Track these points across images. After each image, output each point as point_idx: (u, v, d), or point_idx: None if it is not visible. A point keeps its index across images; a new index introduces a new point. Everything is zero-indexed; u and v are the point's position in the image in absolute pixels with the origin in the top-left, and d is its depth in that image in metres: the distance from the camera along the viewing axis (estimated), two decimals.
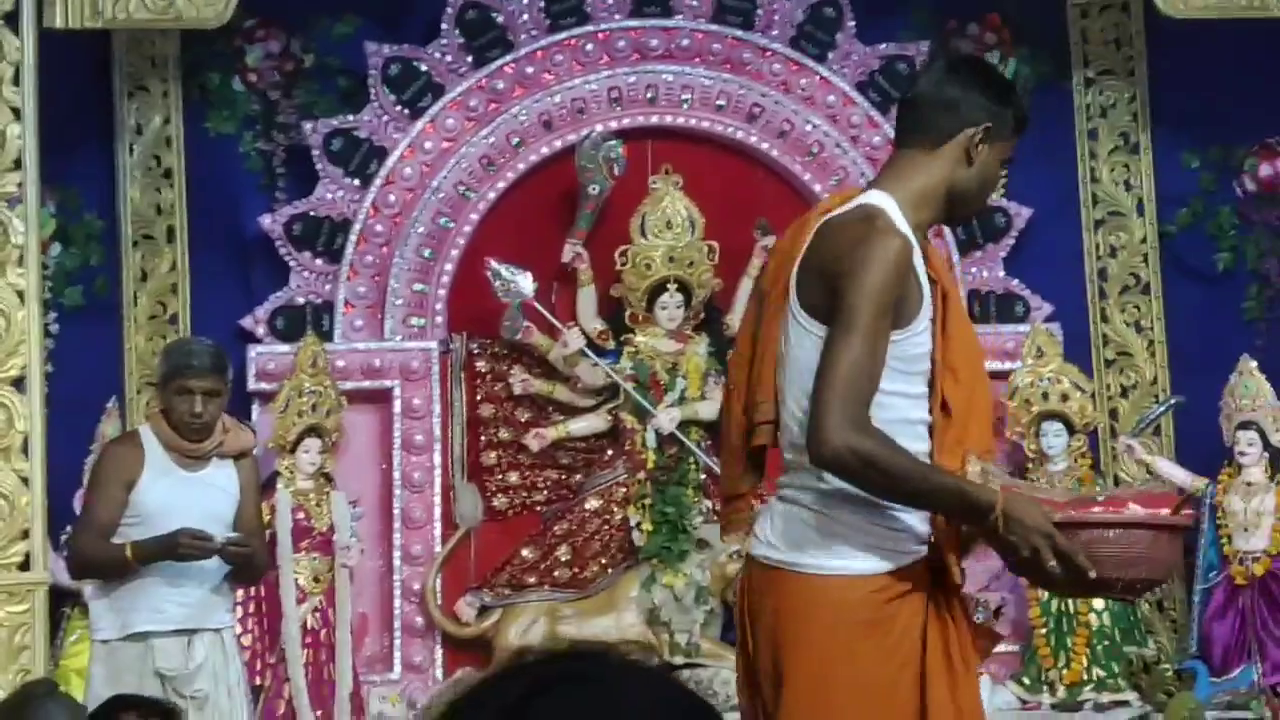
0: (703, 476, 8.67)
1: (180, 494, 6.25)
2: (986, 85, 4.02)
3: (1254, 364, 8.60)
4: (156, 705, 4.76)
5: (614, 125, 8.92)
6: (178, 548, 6.10)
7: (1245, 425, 8.53)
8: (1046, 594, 8.61)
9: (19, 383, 6.88)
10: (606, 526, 8.62)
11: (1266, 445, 8.52)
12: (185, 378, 6.13)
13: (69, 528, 6.33)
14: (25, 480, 6.77)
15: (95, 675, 6.01)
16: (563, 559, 8.56)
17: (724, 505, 4.15)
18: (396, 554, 8.58)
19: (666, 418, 8.58)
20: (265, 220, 8.80)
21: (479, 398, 8.79)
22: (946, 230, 9.05)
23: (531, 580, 8.52)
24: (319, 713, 7.92)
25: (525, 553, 8.58)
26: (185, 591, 6.29)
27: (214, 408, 6.08)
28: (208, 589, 6.24)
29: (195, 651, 6.25)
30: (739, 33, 9.07)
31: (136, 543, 6.10)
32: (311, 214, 8.82)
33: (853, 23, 9.21)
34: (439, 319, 8.82)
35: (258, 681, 7.97)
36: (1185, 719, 8.07)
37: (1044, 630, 8.60)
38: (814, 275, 3.77)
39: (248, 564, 6.28)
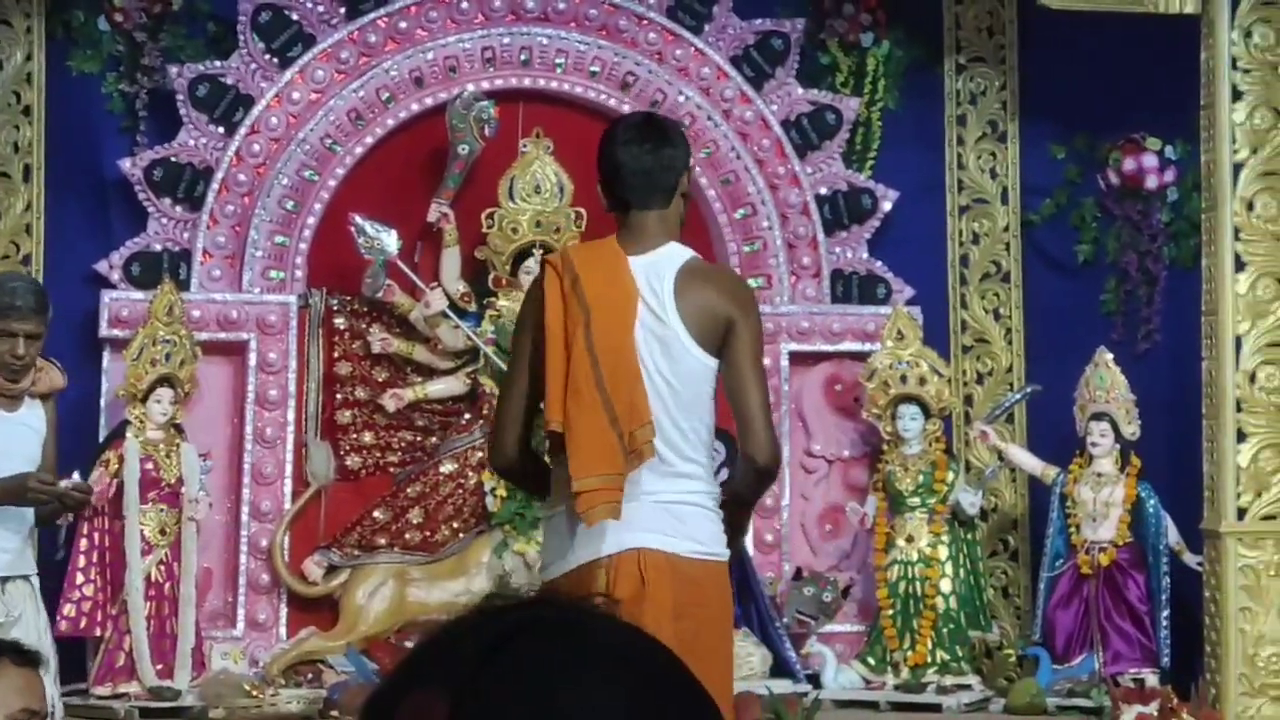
0: None
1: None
2: (679, 135, 5.00)
3: (1109, 356, 8.69)
4: (28, 655, 4.63)
5: (486, 85, 8.84)
6: (26, 492, 6.01)
7: (1098, 416, 8.63)
8: (894, 575, 8.67)
9: None
10: (460, 490, 8.55)
11: (1118, 437, 8.62)
12: (8, 320, 6.04)
13: None
14: None
15: None
16: (414, 521, 8.48)
17: (606, 490, 4.59)
18: (245, 509, 8.46)
19: None
20: (125, 164, 8.63)
21: (336, 355, 8.69)
22: (813, 208, 9.08)
23: (382, 541, 8.43)
24: (159, 666, 7.80)
25: (376, 514, 8.49)
26: (4, 537, 6.20)
27: (35, 349, 6.05)
28: (23, 535, 6.19)
29: (12, 599, 6.17)
30: None
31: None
32: (173, 160, 8.66)
33: None
34: (299, 273, 8.70)
35: (98, 633, 7.84)
36: (1026, 704, 8.17)
37: (890, 611, 8.65)
38: (703, 315, 4.65)
39: (73, 509, 6.30)
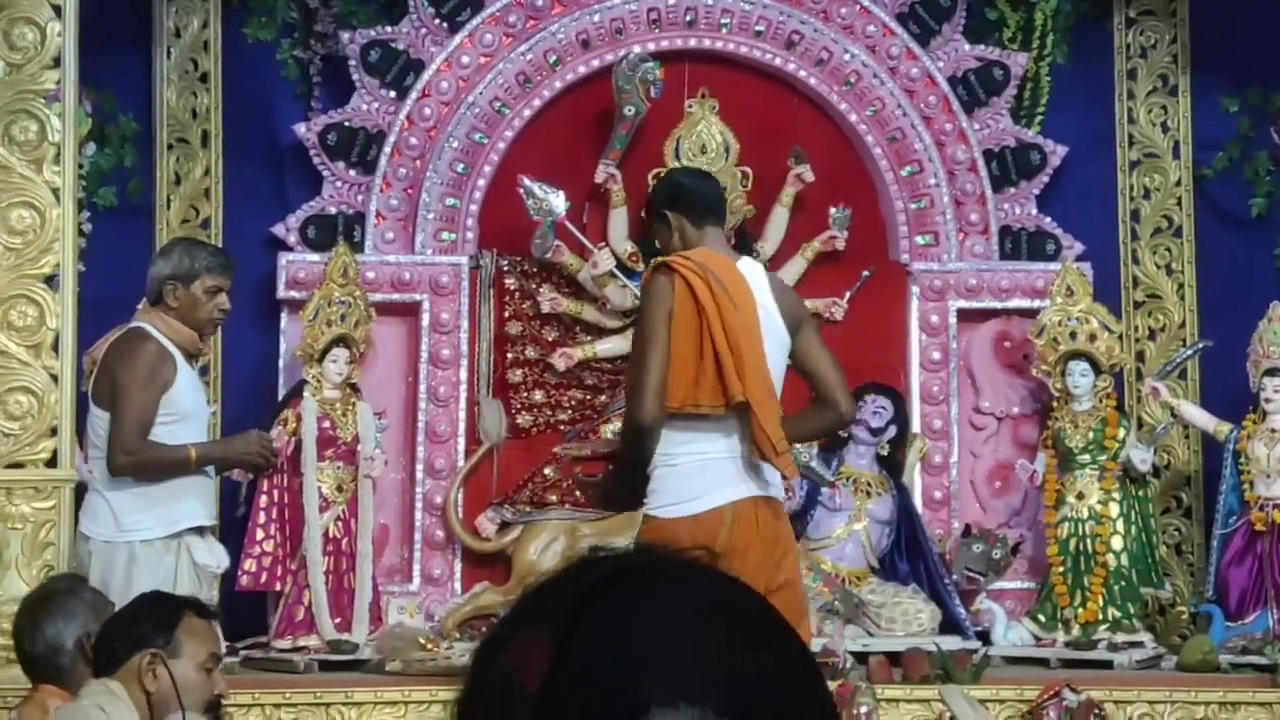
0: None
1: (200, 392, 6.49)
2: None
3: None
4: (205, 607, 4.84)
5: (651, 47, 8.89)
6: (256, 455, 6.36)
7: (1272, 372, 8.52)
8: (1065, 533, 8.64)
9: (51, 280, 6.89)
10: None
11: None
12: (222, 276, 6.32)
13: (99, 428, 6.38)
14: (55, 378, 6.79)
15: (139, 576, 6.09)
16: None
17: (784, 452, 5.61)
18: (419, 467, 8.61)
19: None
20: (300, 129, 8.79)
21: (507, 315, 8.80)
22: (980, 164, 9.04)
23: (553, 498, 8.54)
24: (337, 620, 7.96)
25: (547, 471, 8.60)
26: (211, 489, 6.47)
27: None
28: (213, 485, 6.52)
29: (214, 546, 6.41)
30: None
31: (199, 446, 6.29)
32: (346, 124, 8.80)
33: None
34: (470, 235, 8.82)
35: (278, 587, 8.02)
36: (1199, 661, 8.10)
37: (1061, 569, 8.62)
38: (790, 309, 5.78)
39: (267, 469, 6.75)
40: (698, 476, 5.55)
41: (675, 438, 5.56)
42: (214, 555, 6.43)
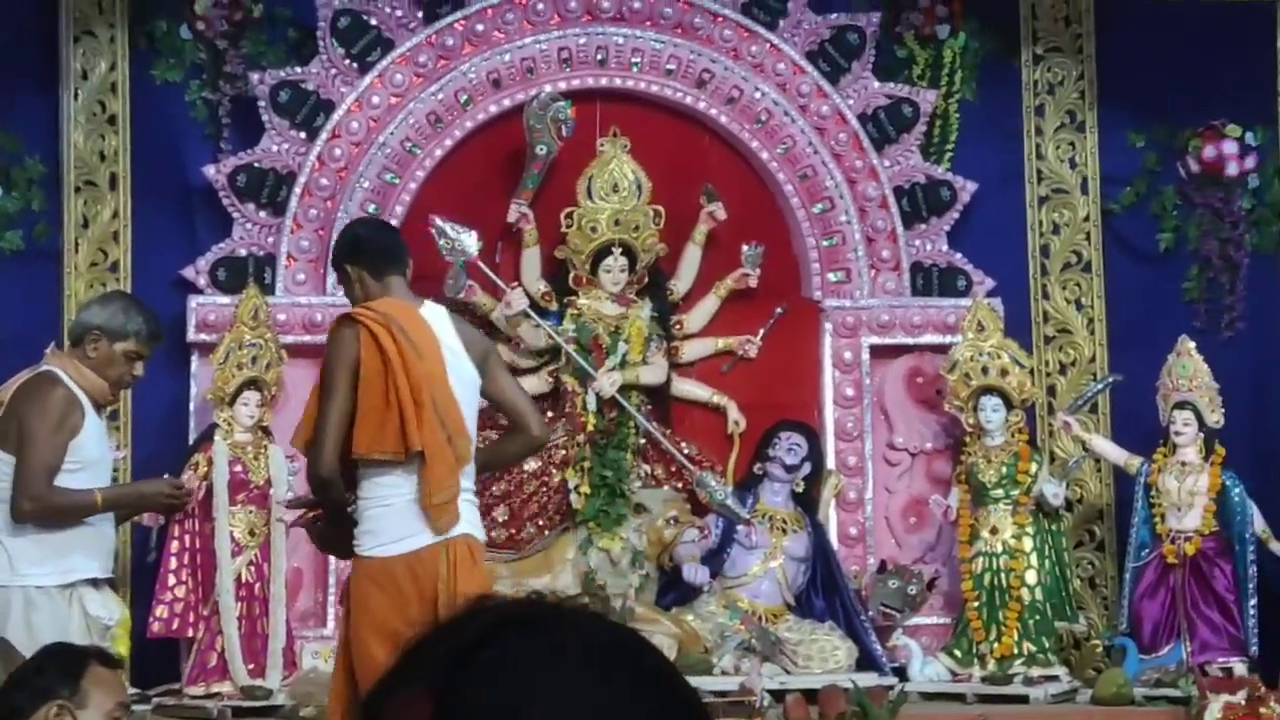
0: (642, 441, 8.68)
1: (105, 440, 6.42)
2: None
3: (1192, 344, 8.66)
4: (110, 657, 4.77)
5: (563, 86, 8.89)
6: (165, 499, 6.30)
7: (1181, 405, 8.59)
8: (979, 567, 8.67)
9: None
10: (544, 488, 8.61)
11: (1202, 426, 8.58)
12: (147, 346, 6.32)
13: None
14: None
15: (37, 623, 6.01)
16: (499, 520, 8.54)
17: (452, 500, 5.80)
18: None
19: (608, 381, 8.58)
20: (209, 170, 8.74)
21: None
22: (891, 201, 9.09)
23: None
24: (251, 666, 7.89)
25: None
26: (109, 542, 6.39)
27: None
28: (115, 537, 6.44)
29: (110, 600, 6.34)
30: None
31: (105, 491, 6.21)
32: (256, 165, 8.76)
33: None
34: None
35: (190, 633, 7.95)
36: (1114, 694, 8.14)
37: (976, 603, 8.65)
38: (475, 348, 6.01)
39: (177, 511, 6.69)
40: (406, 514, 5.75)
41: (380, 480, 5.79)
42: (106, 608, 6.37)
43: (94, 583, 6.36)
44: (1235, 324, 9.04)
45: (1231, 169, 9.10)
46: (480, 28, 8.88)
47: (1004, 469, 8.70)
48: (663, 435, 8.69)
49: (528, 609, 1.67)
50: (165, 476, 6.78)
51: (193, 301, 8.54)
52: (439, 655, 1.63)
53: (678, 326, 8.97)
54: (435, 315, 5.98)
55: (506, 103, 8.88)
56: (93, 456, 6.29)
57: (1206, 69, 9.09)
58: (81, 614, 6.23)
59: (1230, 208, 9.14)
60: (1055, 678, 8.47)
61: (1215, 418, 8.59)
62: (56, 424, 6.21)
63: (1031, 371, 8.99)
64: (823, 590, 8.72)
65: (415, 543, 5.73)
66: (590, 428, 8.59)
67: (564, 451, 8.61)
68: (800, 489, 8.78)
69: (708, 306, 9.00)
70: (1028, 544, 8.67)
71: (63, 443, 6.22)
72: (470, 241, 8.48)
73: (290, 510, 7.95)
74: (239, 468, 8.01)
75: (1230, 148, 9.10)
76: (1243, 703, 7.74)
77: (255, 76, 8.76)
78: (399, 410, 5.69)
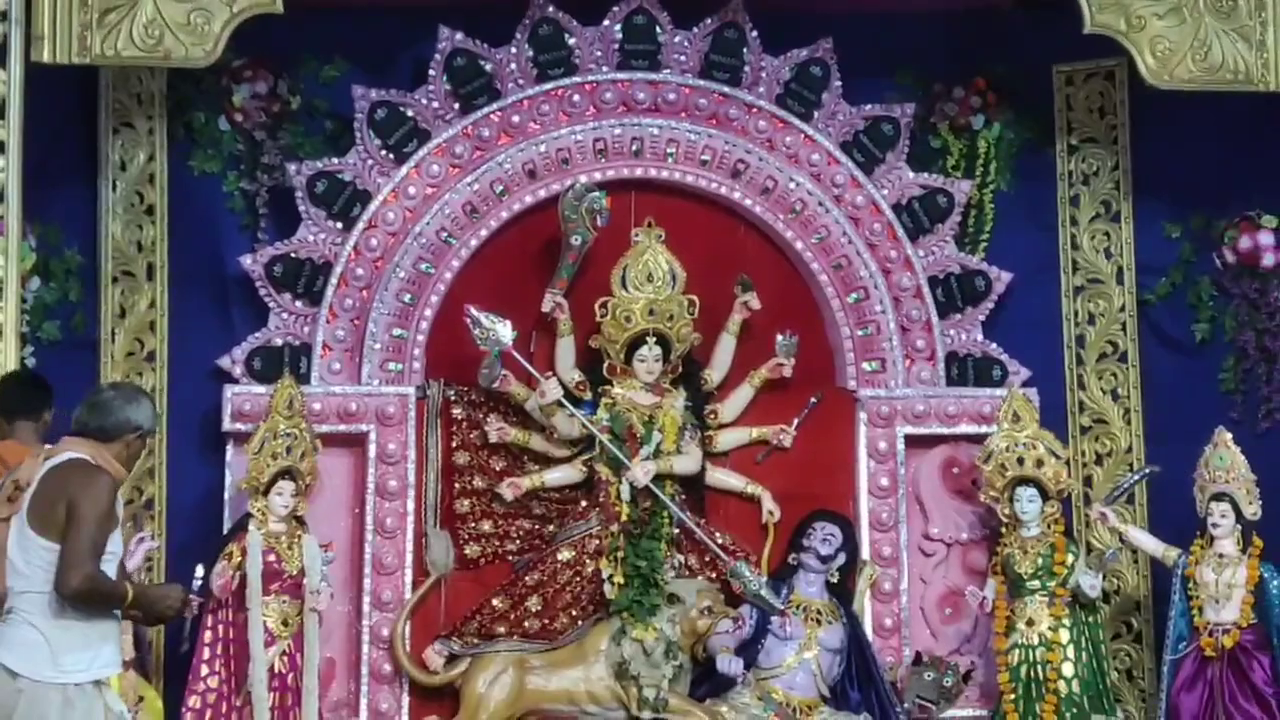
0: (676, 531, 8.65)
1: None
2: None
3: (1229, 436, 8.61)
4: None
5: (598, 176, 8.93)
6: (175, 612, 6.34)
7: (1219, 497, 8.54)
8: (1015, 659, 8.61)
9: None
10: (578, 578, 8.59)
11: (1239, 518, 8.53)
12: (153, 435, 6.33)
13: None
14: None
15: (71, 718, 6.01)
16: (533, 609, 8.52)
17: None
18: (366, 599, 8.54)
19: (641, 470, 8.57)
20: (246, 260, 8.79)
21: (454, 445, 8.77)
22: (926, 291, 9.09)
23: (501, 630, 8.47)
24: None
25: (495, 602, 8.54)
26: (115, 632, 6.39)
27: None
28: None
29: (111, 697, 6.33)
30: (725, 89, 9.10)
31: (135, 587, 6.22)
32: (293, 255, 8.81)
33: (839, 83, 9.25)
34: (416, 364, 8.81)
35: None
36: None
37: (1013, 696, 8.59)
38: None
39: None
40: None
41: None
42: (119, 701, 6.38)
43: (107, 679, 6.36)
44: (1272, 415, 9.01)
45: (1268, 260, 9.09)
46: (516, 119, 8.93)
47: (1040, 560, 8.65)
48: (697, 525, 8.67)
49: None
50: (180, 588, 6.73)
51: (228, 391, 8.57)
52: None
53: (712, 416, 8.96)
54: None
55: (542, 193, 8.93)
56: (117, 550, 6.31)
57: (1242, 160, 9.10)
58: (105, 709, 6.22)
59: (1266, 298, 9.11)
60: None
61: (1253, 509, 8.53)
62: (106, 512, 6.22)
63: (1067, 462, 8.95)
64: (858, 681, 8.66)
65: None
66: (624, 517, 8.58)
67: (598, 541, 8.59)
68: (835, 579, 8.74)
69: (742, 396, 8.99)
70: (1064, 636, 8.61)
71: (108, 531, 6.24)
72: (505, 331, 8.51)
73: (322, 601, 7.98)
74: (272, 558, 8.02)
75: (1266, 239, 9.09)
76: None
77: (292, 167, 8.83)
78: None
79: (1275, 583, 8.43)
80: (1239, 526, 8.54)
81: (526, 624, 8.50)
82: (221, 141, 8.99)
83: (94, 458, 6.30)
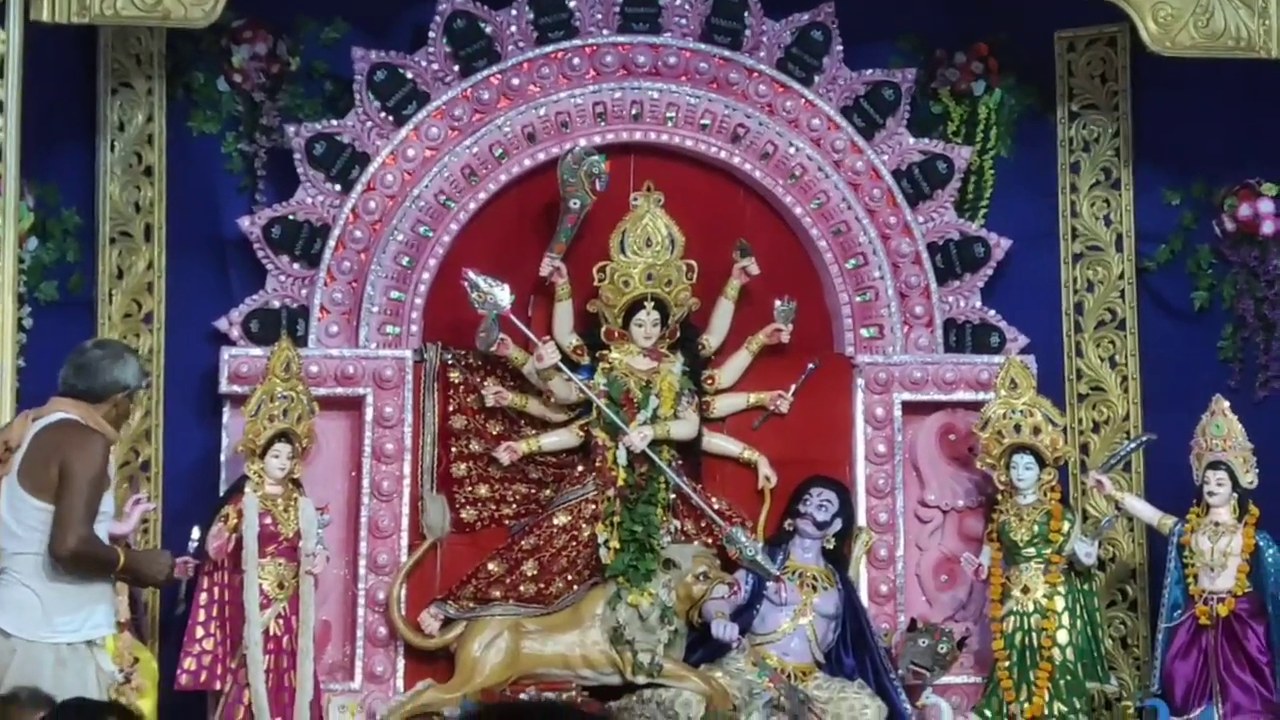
0: (672, 496, 8.66)
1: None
2: None
3: (1226, 404, 8.61)
4: (129, 712, 4.79)
5: (598, 140, 8.91)
6: (172, 573, 6.34)
7: (1215, 465, 8.54)
8: (1010, 626, 8.62)
9: None
10: (574, 543, 8.60)
11: (1236, 486, 8.53)
12: (143, 390, 6.34)
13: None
14: None
15: (66, 681, 6.04)
16: (529, 574, 8.53)
17: None
18: (362, 562, 8.56)
19: (638, 435, 8.57)
20: (244, 222, 8.78)
21: (451, 409, 8.77)
22: (925, 257, 9.08)
23: (497, 594, 8.49)
24: (278, 719, 7.88)
25: (491, 566, 8.55)
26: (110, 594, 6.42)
27: None
28: None
29: (104, 658, 6.35)
30: (726, 53, 9.07)
31: (130, 554, 6.24)
32: (291, 217, 8.80)
33: (840, 47, 9.22)
34: (414, 328, 8.80)
35: (218, 686, 7.94)
36: None
37: (1007, 663, 8.61)
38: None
39: None
40: None
41: None
42: (111, 664, 6.41)
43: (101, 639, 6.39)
44: (1270, 384, 9.01)
45: (1267, 228, 9.07)
46: (516, 82, 8.91)
47: (1036, 527, 8.66)
48: (693, 490, 8.67)
49: (532, 706, 1.84)
50: (169, 555, 6.78)
51: (225, 353, 8.57)
52: None
53: (709, 381, 8.96)
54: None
55: (541, 156, 8.91)
56: (109, 510, 6.34)
57: (1242, 127, 9.07)
58: (96, 669, 6.25)
59: (1266, 266, 9.10)
60: None
61: (1249, 478, 8.54)
62: (100, 474, 6.25)
63: (1064, 430, 8.95)
64: (852, 648, 8.68)
65: None
66: (621, 482, 8.58)
67: (594, 506, 8.60)
68: (831, 545, 8.75)
69: (740, 361, 8.99)
70: (1059, 603, 8.62)
71: (101, 492, 6.27)
72: (503, 295, 8.50)
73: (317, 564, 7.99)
74: (269, 520, 8.02)
75: (1266, 206, 9.07)
76: None
77: (291, 129, 8.81)
78: None
79: (1271, 551, 8.44)
80: (1235, 495, 8.54)
81: (522, 588, 8.51)
82: (220, 102, 8.97)
83: (85, 418, 6.32)
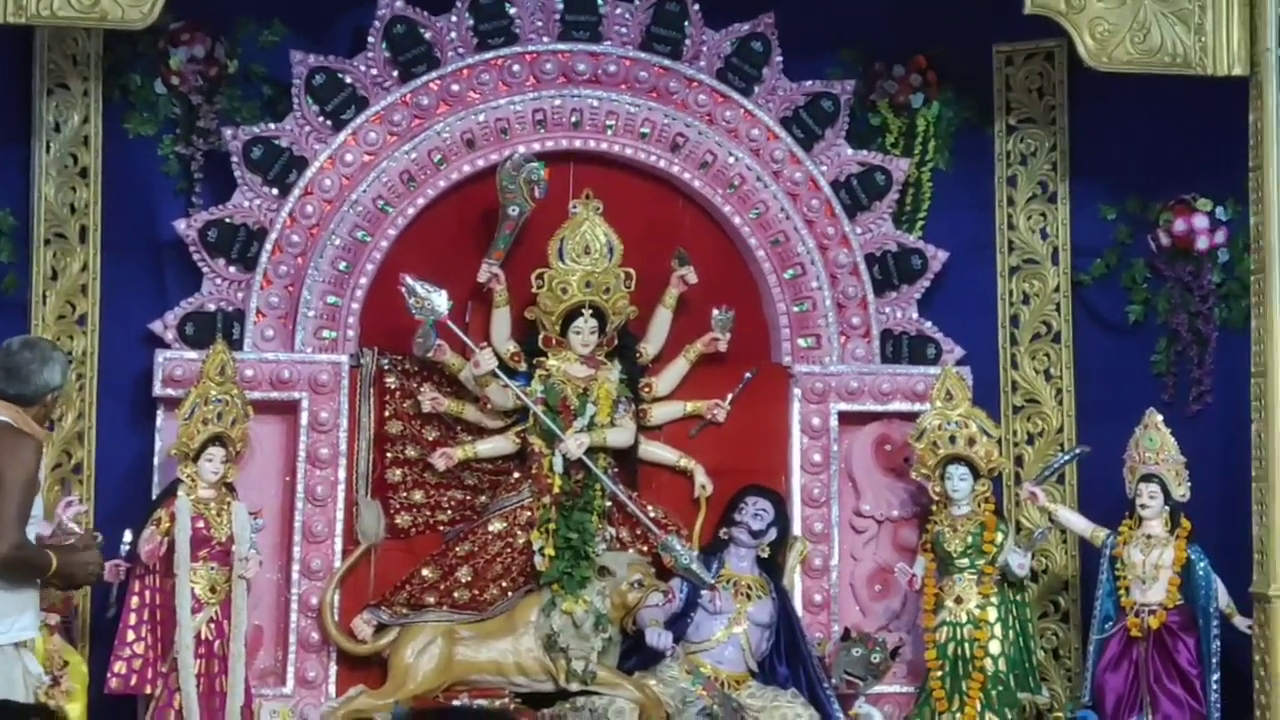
0: (608, 504, 8.66)
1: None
2: None
3: (1159, 417, 8.65)
4: (53, 714, 4.76)
5: (537, 147, 8.91)
6: (102, 571, 6.31)
7: (1148, 478, 8.59)
8: (943, 637, 8.65)
9: None
10: (509, 550, 8.59)
11: (1168, 499, 8.58)
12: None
13: None
14: None
15: None
16: (463, 580, 8.51)
17: None
18: (295, 567, 8.52)
19: (574, 443, 8.57)
20: (180, 224, 8.73)
21: (387, 414, 8.74)
22: (863, 268, 9.11)
23: (430, 600, 8.46)
24: None
25: (425, 572, 8.53)
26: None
27: None
28: None
29: (30, 660, 6.31)
30: (666, 62, 9.08)
31: (61, 557, 6.20)
32: (227, 220, 8.75)
33: (779, 58, 9.24)
34: (350, 333, 8.78)
35: (148, 690, 7.89)
36: None
37: (940, 673, 8.63)
38: None
39: None
40: None
41: None
42: (38, 666, 6.37)
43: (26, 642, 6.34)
44: (1203, 398, 9.05)
45: (1202, 243, 9.12)
46: (455, 88, 8.89)
47: (970, 538, 8.69)
48: (629, 498, 8.67)
49: (458, 711, 1.89)
50: (94, 552, 6.70)
51: (160, 356, 8.52)
52: None
53: (646, 389, 8.96)
54: None
55: (480, 163, 8.90)
56: (39, 513, 6.30)
57: (1179, 143, 9.13)
58: (24, 671, 6.20)
59: (1200, 281, 9.15)
60: None
61: (1181, 491, 8.58)
62: (32, 478, 6.20)
63: (999, 441, 8.99)
64: (786, 657, 8.69)
65: None
66: (556, 489, 8.58)
67: (529, 513, 8.59)
68: (766, 555, 8.76)
69: (677, 370, 8.99)
70: (992, 614, 8.65)
71: (33, 496, 6.21)
72: (440, 300, 8.48)
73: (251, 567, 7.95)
74: (201, 524, 7.98)
75: (1201, 222, 9.12)
76: None
77: (229, 132, 8.77)
78: None
79: (1202, 564, 8.48)
80: (1167, 508, 8.59)
81: (456, 594, 8.49)
82: (157, 104, 8.92)
83: (15, 421, 6.27)
